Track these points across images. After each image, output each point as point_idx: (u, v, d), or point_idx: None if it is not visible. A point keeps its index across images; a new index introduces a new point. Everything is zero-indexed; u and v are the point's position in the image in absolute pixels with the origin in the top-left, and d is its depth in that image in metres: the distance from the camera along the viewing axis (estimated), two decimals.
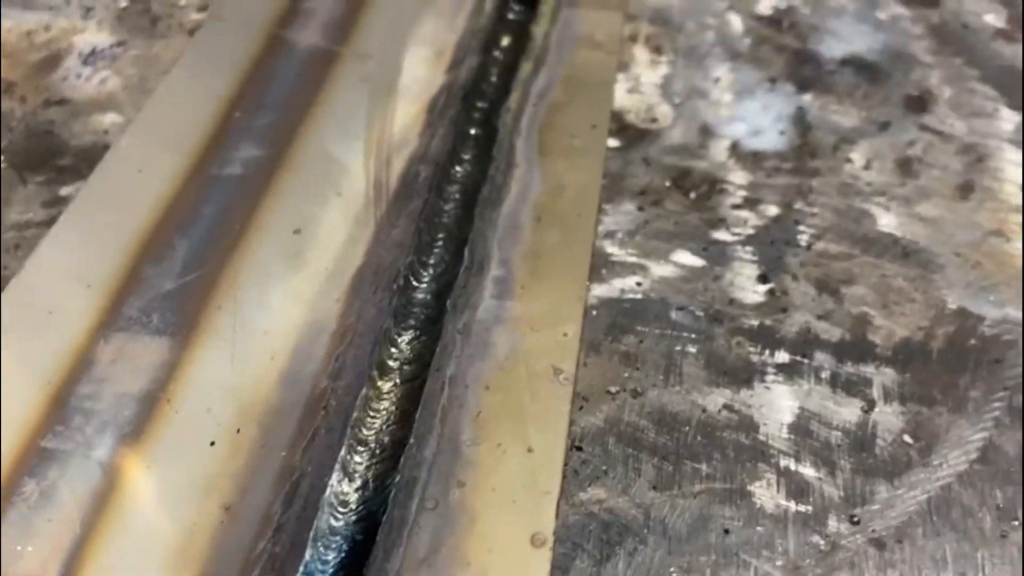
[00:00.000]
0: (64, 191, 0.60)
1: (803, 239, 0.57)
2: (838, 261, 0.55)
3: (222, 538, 0.40)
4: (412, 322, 0.49)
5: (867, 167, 0.61)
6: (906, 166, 0.61)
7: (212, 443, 0.44)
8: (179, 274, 0.51)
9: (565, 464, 0.45)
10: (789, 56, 0.70)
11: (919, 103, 0.66)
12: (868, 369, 0.50)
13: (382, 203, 0.55)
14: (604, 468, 0.46)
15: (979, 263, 0.55)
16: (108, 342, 0.47)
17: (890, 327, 0.52)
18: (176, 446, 0.43)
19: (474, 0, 0.70)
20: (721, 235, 0.57)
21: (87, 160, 0.62)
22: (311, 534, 0.40)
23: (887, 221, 0.58)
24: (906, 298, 0.53)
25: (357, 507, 0.42)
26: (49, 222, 0.57)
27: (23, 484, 0.41)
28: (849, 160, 0.62)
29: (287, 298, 0.50)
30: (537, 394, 0.47)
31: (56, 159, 0.63)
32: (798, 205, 0.59)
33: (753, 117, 0.65)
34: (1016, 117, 0.65)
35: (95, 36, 0.73)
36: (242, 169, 0.57)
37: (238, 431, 0.44)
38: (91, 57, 0.71)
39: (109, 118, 0.66)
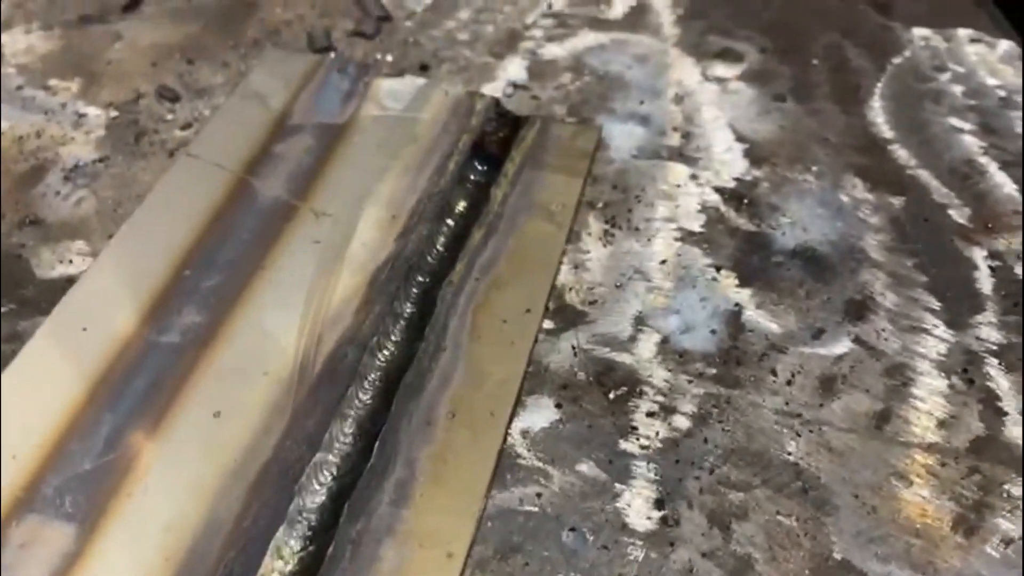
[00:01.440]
0: (21, 325, 0.64)
1: (708, 461, 0.58)
2: (736, 491, 0.57)
3: None
4: (305, 530, 0.52)
5: (790, 382, 0.63)
6: (828, 385, 0.63)
7: None
8: (99, 453, 0.54)
9: None
10: (740, 240, 0.71)
11: (859, 310, 0.67)
12: None
13: (303, 388, 0.58)
14: None
15: (875, 509, 0.56)
16: (20, 525, 0.51)
17: (770, 575, 0.53)
18: None
19: (438, 159, 0.72)
20: (630, 446, 0.59)
21: (48, 294, 0.66)
22: None
23: (795, 449, 0.59)
24: (793, 542, 0.55)
25: None
26: (2, 360, 0.61)
27: None
28: (774, 373, 0.63)
29: (192, 491, 0.53)
30: None
31: (21, 289, 0.67)
32: (711, 420, 0.60)
33: (689, 310, 0.66)
34: (950, 337, 0.65)
35: (81, 149, 0.77)
36: (179, 337, 0.60)
37: None
38: (73, 173, 0.75)
39: (77, 246, 0.70)
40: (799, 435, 0.60)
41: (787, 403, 0.61)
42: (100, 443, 0.54)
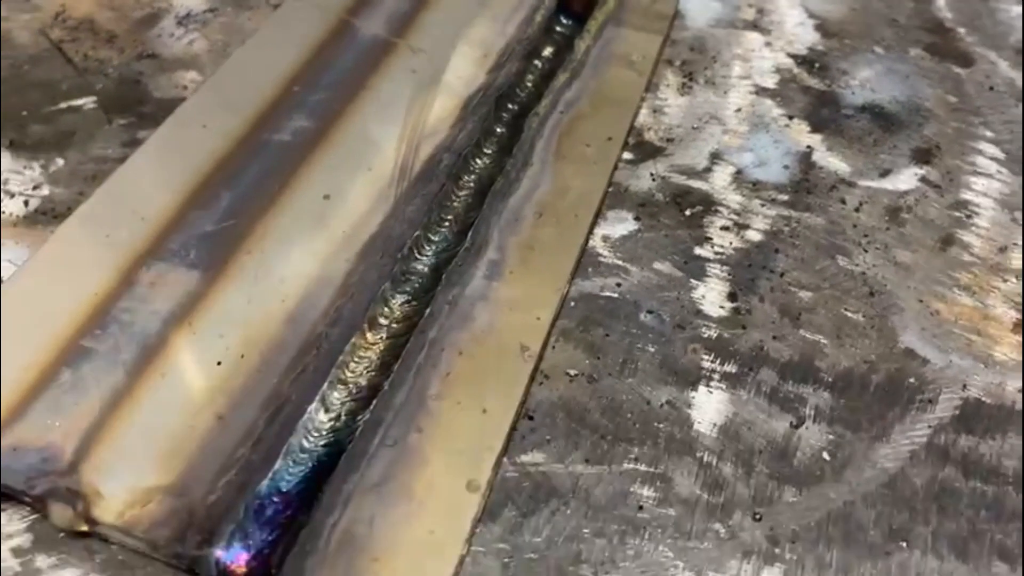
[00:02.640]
0: (141, 134, 0.69)
1: (779, 266, 0.62)
2: (806, 291, 0.60)
3: (210, 440, 0.48)
4: (408, 288, 0.56)
5: (858, 209, 0.66)
6: (895, 213, 0.66)
7: (219, 363, 0.51)
8: (219, 220, 0.59)
9: (513, 428, 0.52)
10: (811, 97, 0.75)
11: (924, 155, 0.70)
12: (806, 390, 0.55)
13: (404, 182, 0.62)
14: (548, 438, 0.52)
15: (938, 312, 0.60)
16: (150, 269, 0.56)
17: (837, 356, 0.57)
18: (188, 361, 0.51)
19: (526, 10, 0.77)
20: (704, 251, 0.63)
21: (165, 110, 0.71)
22: (284, 448, 0.48)
23: (862, 261, 0.62)
24: (859, 333, 0.58)
25: (327, 434, 0.49)
26: (123, 159, 0.66)
27: (60, 373, 0.50)
28: (843, 201, 0.66)
29: (305, 253, 0.57)
30: (502, 365, 0.53)
31: (140, 106, 0.72)
32: (782, 235, 0.64)
33: (762, 149, 0.70)
34: (1015, 182, 0.68)
35: (191, 1, 0.82)
36: (290, 137, 0.65)
37: (242, 356, 0.52)
38: (185, 19, 0.81)
39: (190, 75, 0.75)
40: (866, 250, 0.63)
41: (855, 225, 0.65)
42: (220, 212, 0.59)
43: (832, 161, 0.69)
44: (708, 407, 0.54)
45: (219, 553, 0.44)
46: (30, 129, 0.70)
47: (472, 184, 0.63)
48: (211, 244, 0.57)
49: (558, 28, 0.77)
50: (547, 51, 0.74)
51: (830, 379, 0.55)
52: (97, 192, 0.61)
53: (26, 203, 0.63)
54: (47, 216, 0.62)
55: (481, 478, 0.49)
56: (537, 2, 0.78)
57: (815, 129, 0.72)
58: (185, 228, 0.58)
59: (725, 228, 0.64)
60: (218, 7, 0.82)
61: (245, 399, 0.50)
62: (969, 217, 0.66)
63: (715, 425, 0.53)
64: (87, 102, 0.72)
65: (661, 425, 0.53)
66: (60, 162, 0.67)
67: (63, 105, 0.72)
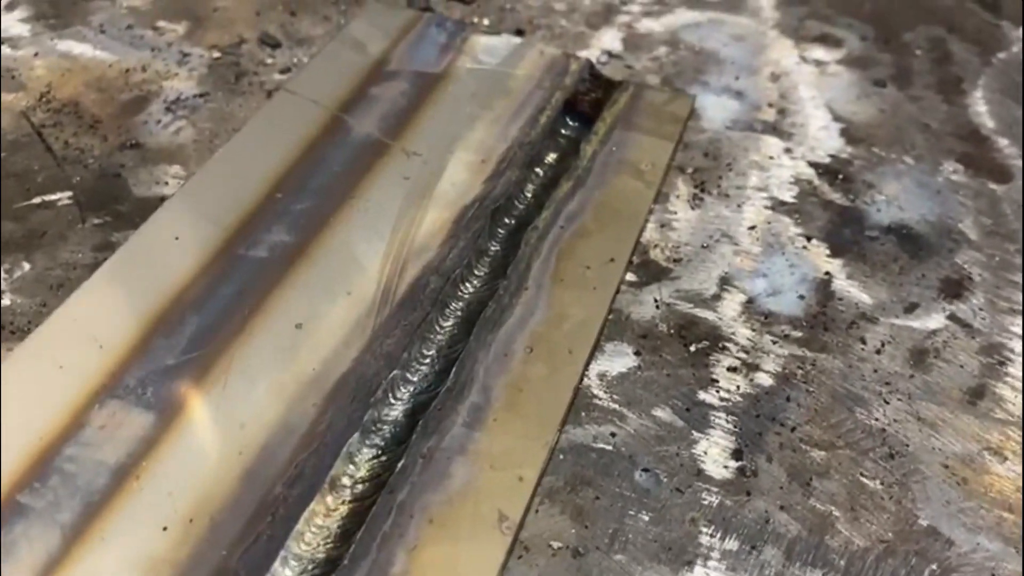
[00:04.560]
0: (115, 236, 0.65)
1: (790, 419, 0.56)
2: (819, 449, 0.55)
3: None
4: (378, 440, 0.52)
5: (879, 351, 0.60)
6: (920, 357, 0.60)
7: (164, 528, 0.47)
8: (183, 351, 0.54)
9: None
10: (833, 213, 0.70)
11: (955, 288, 0.65)
12: (815, 575, 0.50)
13: (385, 310, 0.58)
14: None
15: (965, 480, 0.54)
16: (102, 408, 0.51)
17: (850, 533, 0.51)
18: (132, 524, 0.47)
19: (531, 111, 0.72)
20: (708, 397, 0.57)
21: (142, 210, 0.67)
22: None
23: (882, 415, 0.57)
24: (877, 504, 0.53)
25: None
26: (93, 265, 0.62)
27: None
28: (863, 341, 0.61)
29: (270, 393, 0.53)
30: (477, 538, 0.48)
31: (116, 204, 0.68)
32: (795, 380, 0.58)
33: (777, 275, 0.65)
34: None
35: (183, 84, 0.79)
36: (267, 253, 0.60)
37: (191, 520, 0.47)
38: (174, 104, 0.77)
39: (173, 169, 0.71)
40: (887, 402, 0.58)
41: (875, 370, 0.59)
42: (184, 342, 0.55)
43: (852, 292, 0.64)
44: None
45: None
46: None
47: (459, 312, 0.59)
48: (171, 380, 0.53)
49: (563, 131, 0.72)
50: (550, 157, 0.70)
51: (842, 562, 0.50)
52: (56, 312, 0.56)
53: None
54: (4, 331, 0.58)
55: None
56: (543, 102, 0.73)
57: (835, 253, 0.67)
58: (145, 360, 0.54)
59: (733, 369, 0.59)
60: (209, 91, 0.78)
61: (188, 574, 0.45)
62: (1003, 364, 0.60)
63: None
64: (62, 197, 0.68)
65: None
66: (26, 266, 0.63)
67: (37, 200, 0.68)
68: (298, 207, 0.63)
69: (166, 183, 0.70)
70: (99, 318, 0.56)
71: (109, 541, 0.46)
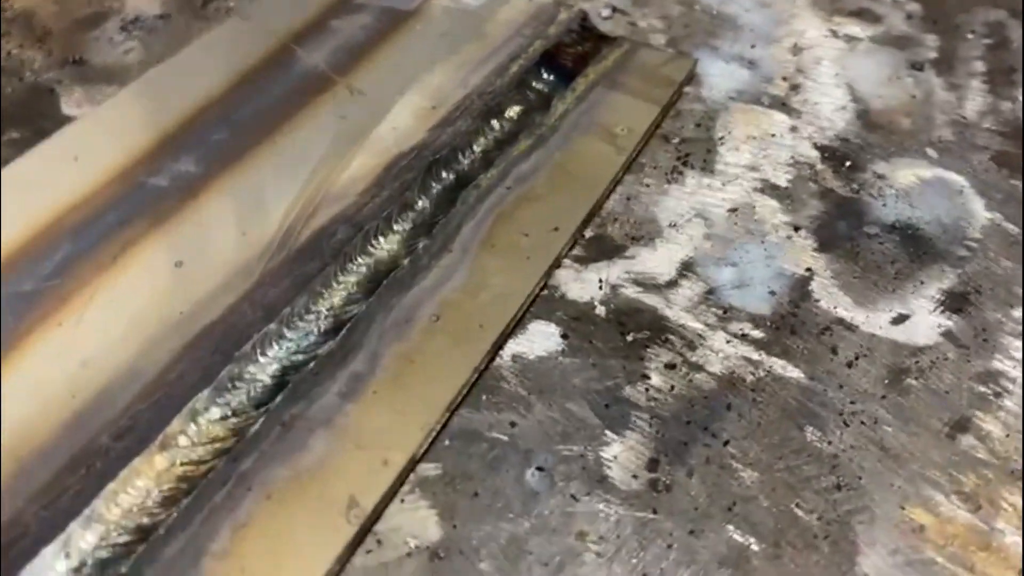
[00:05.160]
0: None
1: (725, 430, 0.48)
2: (751, 470, 0.46)
3: None
4: (231, 400, 0.45)
5: (851, 364, 0.51)
6: (899, 377, 0.51)
7: None
8: (45, 276, 0.49)
9: None
10: (830, 204, 0.60)
11: (957, 302, 0.55)
12: None
13: (278, 256, 0.51)
14: None
15: (923, 528, 0.45)
16: None
17: (766, 574, 0.43)
18: None
19: (501, 60, 0.65)
20: (635, 395, 0.49)
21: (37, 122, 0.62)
22: None
23: (837, 439, 0.48)
24: (808, 543, 0.44)
25: None
26: None
27: None
28: (833, 351, 0.52)
29: (125, 333, 0.47)
30: (316, 524, 0.41)
31: (42, 120, 0.63)
32: (742, 386, 0.50)
33: (749, 265, 0.56)
34: None
35: (146, 3, 0.74)
36: (168, 183, 0.54)
37: None
38: (132, 24, 0.72)
39: (111, 90, 0.66)
40: (847, 424, 0.48)
41: (841, 386, 0.50)
42: (49, 268, 0.49)
43: (833, 293, 0.55)
44: None
45: None
46: None
47: (365, 269, 0.52)
48: (23, 306, 0.48)
49: (535, 84, 0.64)
50: (513, 110, 0.62)
51: None
52: None
53: None
54: None
55: None
56: (518, 50, 0.65)
57: (823, 247, 0.57)
58: (2, 282, 0.48)
59: (671, 366, 0.51)
60: (172, 13, 0.73)
61: None
62: (998, 396, 0.50)
63: None
64: None
65: None
66: None
67: None
68: (215, 138, 0.57)
69: (99, 103, 0.64)
70: None
71: None
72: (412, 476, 0.45)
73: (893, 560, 0.43)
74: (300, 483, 0.43)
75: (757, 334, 0.53)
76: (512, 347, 0.51)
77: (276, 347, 0.47)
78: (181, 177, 0.54)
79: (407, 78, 0.62)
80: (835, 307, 0.54)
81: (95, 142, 0.56)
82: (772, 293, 0.55)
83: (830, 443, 0.48)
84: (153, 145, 0.56)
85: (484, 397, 0.49)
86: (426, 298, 0.51)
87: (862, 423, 0.49)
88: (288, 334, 0.48)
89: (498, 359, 0.50)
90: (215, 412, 0.44)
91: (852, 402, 0.50)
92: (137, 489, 0.41)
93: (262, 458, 0.43)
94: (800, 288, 0.55)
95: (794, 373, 0.51)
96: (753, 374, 0.51)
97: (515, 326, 0.52)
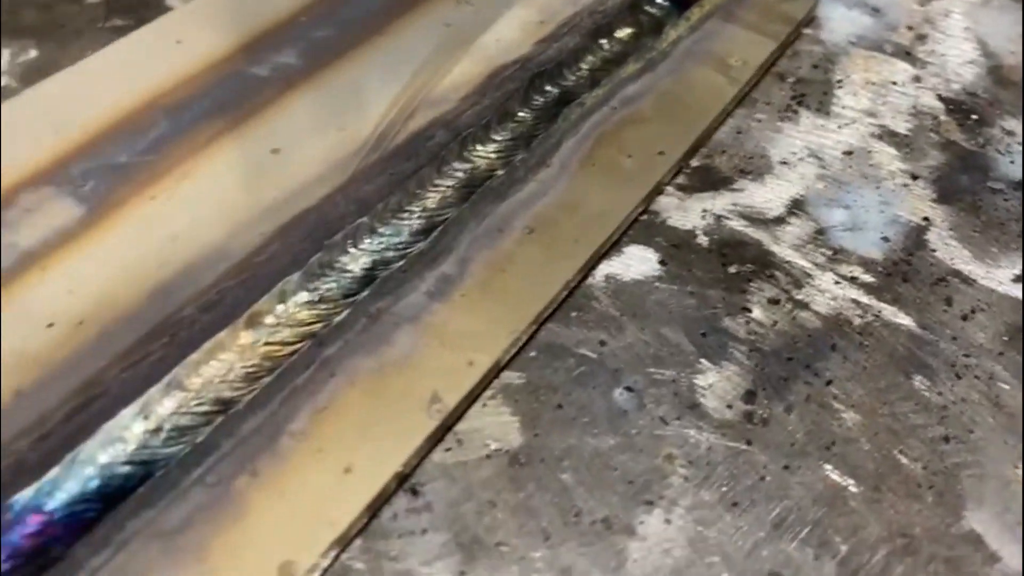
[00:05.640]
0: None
1: (829, 370, 0.45)
2: (854, 412, 0.44)
3: (3, 417, 0.38)
4: (321, 287, 0.44)
5: (966, 317, 0.48)
6: (1017, 337, 0.47)
7: (50, 324, 0.41)
8: (142, 151, 0.48)
9: (385, 501, 0.39)
10: (952, 156, 0.57)
11: None
12: (803, 557, 0.39)
13: (374, 154, 0.50)
14: (425, 527, 0.38)
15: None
16: (36, 191, 0.46)
17: (865, 517, 0.40)
18: (17, 313, 0.41)
19: None
20: (734, 326, 0.47)
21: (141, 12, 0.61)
22: (72, 455, 0.37)
23: (948, 391, 0.45)
24: (911, 492, 0.41)
25: (137, 450, 0.38)
26: None
27: None
28: (948, 302, 0.49)
29: (218, 213, 0.46)
30: (398, 415, 0.40)
31: (146, 10, 0.63)
32: (849, 329, 0.47)
33: (862, 210, 0.53)
34: None
35: None
36: (268, 72, 0.53)
37: (80, 323, 0.41)
38: None
39: None
40: (959, 377, 0.45)
41: (955, 338, 0.47)
42: (145, 143, 0.49)
43: (951, 245, 0.51)
44: (656, 542, 0.39)
45: None
46: (22, 14, 0.62)
47: (460, 173, 0.50)
48: (116, 177, 0.47)
49: (648, 8, 0.61)
50: (624, 32, 0.60)
51: (843, 547, 0.39)
52: (32, 88, 0.51)
53: None
54: None
55: (303, 562, 0.36)
56: None
57: (942, 199, 0.54)
58: (97, 153, 0.48)
59: (774, 301, 0.48)
60: None
61: (58, 378, 0.39)
62: None
63: (655, 571, 0.38)
64: None
65: (582, 552, 0.38)
66: (33, 54, 0.59)
67: None
68: (318, 34, 0.56)
69: None
70: (69, 104, 0.50)
71: None
72: (496, 382, 0.43)
73: (1003, 520, 0.40)
74: (383, 374, 0.41)
75: (867, 278, 0.49)
76: (606, 268, 0.49)
77: (368, 240, 0.46)
78: (282, 69, 0.53)
79: None
80: (952, 259, 0.51)
81: (199, 28, 0.55)
82: (885, 239, 0.52)
83: (940, 394, 0.45)
84: (256, 36, 0.55)
85: (574, 314, 0.47)
86: (520, 210, 0.49)
87: (976, 377, 0.45)
88: (380, 229, 0.46)
89: (590, 278, 0.48)
90: (303, 296, 0.43)
91: (966, 355, 0.46)
92: (220, 362, 0.40)
93: (347, 347, 0.42)
94: (915, 236, 0.52)
95: (905, 320, 0.48)
96: (861, 317, 0.48)
97: (611, 247, 0.50)
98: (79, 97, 0.50)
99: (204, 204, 0.46)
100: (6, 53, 0.58)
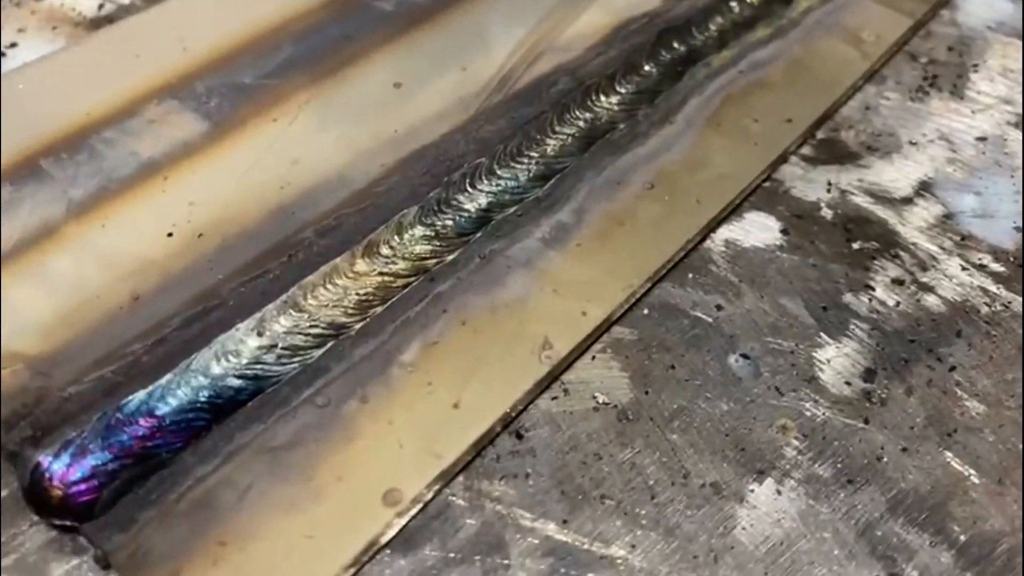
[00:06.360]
0: None
1: (953, 355, 0.43)
2: (979, 401, 0.41)
3: (109, 321, 0.38)
4: (437, 222, 0.43)
5: None
6: None
7: (170, 234, 0.41)
8: (265, 74, 0.48)
9: (489, 442, 0.38)
10: None
11: None
12: (919, 542, 0.37)
13: (497, 96, 0.49)
14: (528, 471, 0.38)
15: None
16: (160, 104, 0.46)
17: (986, 509, 0.38)
18: (139, 220, 0.41)
19: None
20: (856, 303, 0.45)
21: None
22: (186, 362, 0.37)
23: None
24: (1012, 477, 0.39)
25: (248, 364, 0.37)
26: None
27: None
28: None
29: (339, 141, 0.46)
30: (507, 356, 0.39)
31: None
32: (976, 317, 0.45)
33: (994, 197, 0.50)
34: None
35: None
36: (394, 7, 0.53)
37: (200, 235, 0.41)
38: None
39: None
40: None
41: None
42: (270, 66, 0.49)
43: None
44: (766, 512, 0.37)
45: (43, 459, 0.34)
46: None
47: (583, 123, 0.49)
48: (240, 97, 0.47)
49: None
50: None
51: (962, 538, 0.37)
52: (155, 7, 0.51)
53: (100, 6, 0.56)
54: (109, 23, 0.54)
55: (408, 491, 0.35)
56: None
57: None
58: (222, 72, 0.48)
59: (899, 282, 0.46)
60: None
61: (175, 286, 0.39)
62: None
63: (764, 540, 0.36)
64: None
65: (689, 514, 0.37)
66: None
67: None
68: None
69: None
70: (194, 23, 0.50)
71: (108, 229, 0.41)
72: (606, 336, 0.42)
73: None
74: (495, 315, 0.40)
75: (997, 267, 0.47)
76: (726, 232, 0.47)
77: (486, 181, 0.45)
78: (408, 4, 0.53)
79: None
80: None
81: None
82: (1018, 229, 0.49)
83: None
84: None
85: (690, 275, 0.45)
86: (641, 164, 0.48)
87: None
88: (499, 171, 0.45)
89: (709, 241, 0.47)
90: (419, 230, 0.42)
91: None
92: (336, 286, 0.40)
93: (459, 285, 0.41)
94: None
95: None
96: (989, 306, 0.45)
97: (732, 212, 0.48)
98: (206, 18, 0.50)
99: (325, 132, 0.46)
100: None
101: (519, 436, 0.39)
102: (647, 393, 0.40)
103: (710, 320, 0.43)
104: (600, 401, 0.40)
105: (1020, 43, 0.60)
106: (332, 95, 0.47)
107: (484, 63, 0.50)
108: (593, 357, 0.42)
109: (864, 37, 0.56)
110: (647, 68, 0.52)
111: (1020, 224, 0.49)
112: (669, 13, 0.54)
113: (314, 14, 0.51)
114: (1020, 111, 0.55)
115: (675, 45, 0.53)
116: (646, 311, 0.44)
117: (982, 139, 0.54)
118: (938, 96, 0.56)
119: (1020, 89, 0.57)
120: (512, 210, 0.45)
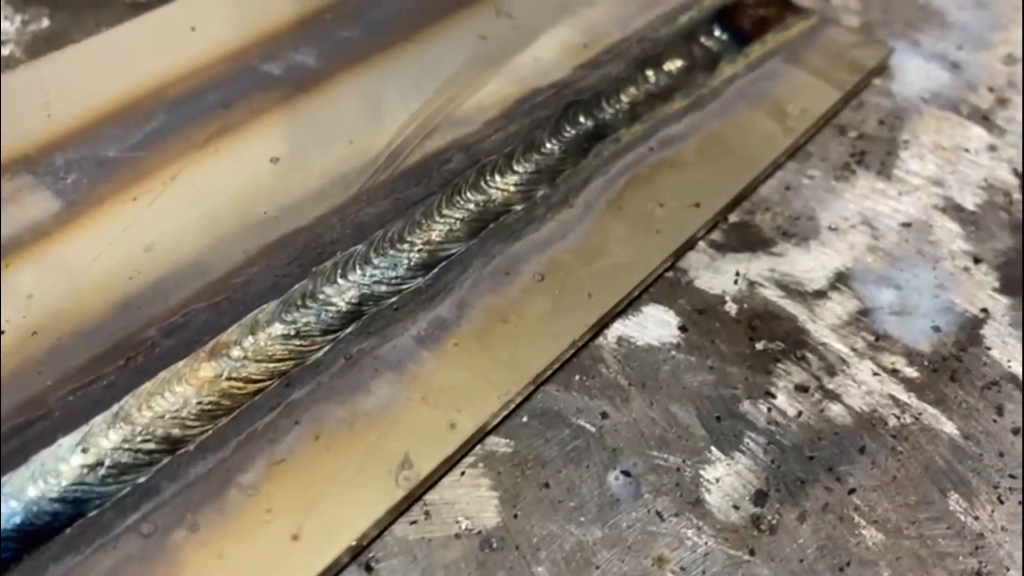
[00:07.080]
0: None
1: (854, 476, 0.40)
2: (876, 529, 0.38)
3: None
4: (299, 319, 0.40)
5: (1017, 432, 0.43)
6: None
7: (0, 331, 0.37)
8: (130, 147, 0.45)
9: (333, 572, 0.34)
10: (1022, 241, 0.51)
11: None
12: None
13: (383, 174, 0.45)
14: None
15: None
16: (13, 179, 0.42)
17: None
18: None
19: (672, 6, 0.57)
20: (754, 413, 0.42)
21: None
22: None
23: (987, 516, 0.39)
24: None
25: (67, 486, 0.34)
26: None
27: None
28: (999, 411, 0.43)
29: (200, 224, 0.42)
30: (361, 477, 0.36)
31: None
32: (882, 430, 0.42)
33: (914, 292, 0.47)
34: None
35: None
36: (281, 72, 0.49)
37: (34, 334, 0.37)
38: None
39: None
40: (1001, 501, 0.40)
41: (1001, 454, 0.42)
42: (139, 136, 0.45)
43: (1009, 345, 0.46)
44: None
45: None
46: None
47: (473, 205, 0.45)
48: (101, 173, 0.44)
49: (704, 40, 0.56)
50: (673, 64, 0.55)
51: None
52: (23, 67, 0.48)
53: None
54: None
55: None
56: (692, 1, 0.57)
57: (1005, 288, 0.48)
58: (86, 143, 0.45)
59: (802, 388, 0.43)
60: None
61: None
62: None
63: None
64: None
65: None
66: (44, 23, 0.56)
67: None
68: (342, 34, 0.52)
69: None
70: (61, 89, 0.47)
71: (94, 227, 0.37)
72: (479, 448, 0.39)
73: None
74: (353, 428, 0.37)
75: (911, 372, 0.44)
76: (620, 328, 0.44)
77: (359, 271, 0.42)
78: (297, 68, 0.49)
79: (562, 8, 0.56)
80: (1009, 361, 0.45)
81: (216, 16, 0.51)
82: (936, 329, 0.46)
83: (977, 518, 0.39)
84: (273, 30, 0.51)
85: (577, 377, 0.42)
86: (533, 253, 0.44)
87: (1020, 504, 0.40)
88: (375, 259, 0.42)
89: (601, 338, 0.44)
90: (278, 328, 0.39)
91: (1012, 476, 0.41)
92: (175, 395, 0.36)
93: (318, 391, 0.38)
94: (970, 329, 0.46)
95: (947, 427, 0.42)
96: (898, 418, 0.42)
97: (629, 304, 0.45)
98: (77, 80, 0.47)
99: (187, 213, 0.42)
100: (17, 20, 0.55)
101: (368, 568, 0.35)
102: (516, 517, 0.37)
103: (593, 430, 0.40)
104: (463, 527, 0.37)
105: (953, 117, 0.57)
106: (201, 170, 0.44)
107: (373, 136, 0.47)
108: (462, 473, 0.38)
109: (789, 110, 0.53)
110: (549, 145, 0.49)
111: (939, 325, 0.46)
112: (579, 83, 0.51)
113: (195, 77, 0.48)
114: (948, 194, 0.53)
115: (581, 119, 0.50)
116: (525, 419, 0.40)
117: (906, 225, 0.51)
118: (864, 175, 0.53)
119: (955, 170, 0.54)
120: (387, 303, 0.41)
